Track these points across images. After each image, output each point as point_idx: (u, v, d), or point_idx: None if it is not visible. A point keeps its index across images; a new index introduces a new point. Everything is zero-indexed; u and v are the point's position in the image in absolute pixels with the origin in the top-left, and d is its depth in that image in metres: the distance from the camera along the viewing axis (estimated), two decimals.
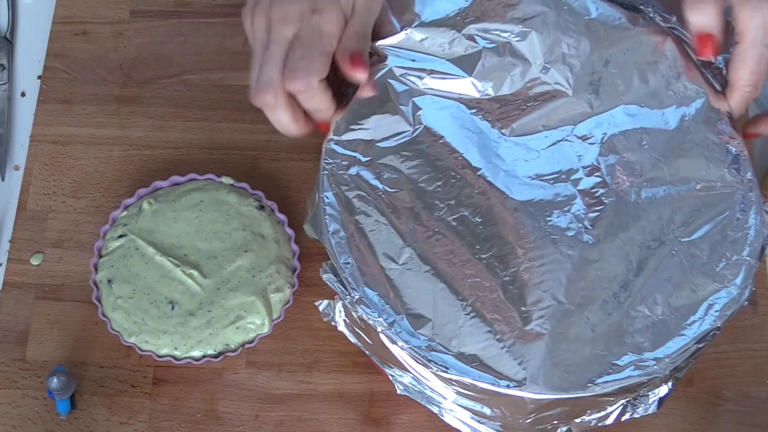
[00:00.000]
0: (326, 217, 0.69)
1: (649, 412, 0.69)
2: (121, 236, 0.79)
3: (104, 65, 0.89)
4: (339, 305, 0.70)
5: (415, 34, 0.74)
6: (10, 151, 0.87)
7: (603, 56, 0.74)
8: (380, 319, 0.66)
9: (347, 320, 0.70)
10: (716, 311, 0.67)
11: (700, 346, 0.67)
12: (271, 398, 0.77)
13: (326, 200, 0.69)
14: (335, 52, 0.70)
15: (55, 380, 0.73)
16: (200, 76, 0.89)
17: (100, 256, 0.79)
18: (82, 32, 0.90)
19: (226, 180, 0.82)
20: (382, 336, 0.67)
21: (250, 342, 0.77)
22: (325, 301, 0.71)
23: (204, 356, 0.76)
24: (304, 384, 0.78)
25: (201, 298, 0.77)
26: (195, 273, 0.77)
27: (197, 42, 0.90)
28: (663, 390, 0.69)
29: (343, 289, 0.68)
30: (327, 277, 0.69)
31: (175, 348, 0.76)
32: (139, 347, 0.76)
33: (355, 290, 0.67)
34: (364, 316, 0.67)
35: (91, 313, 0.79)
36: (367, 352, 0.70)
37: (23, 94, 0.89)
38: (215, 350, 0.76)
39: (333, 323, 0.70)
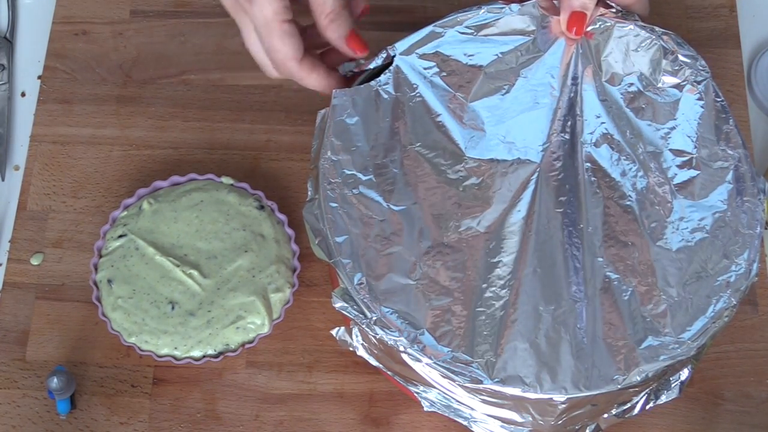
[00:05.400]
0: (335, 239, 0.68)
1: (672, 397, 0.69)
2: (121, 236, 0.79)
3: (104, 65, 0.89)
4: (355, 330, 0.69)
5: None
6: (10, 151, 0.87)
7: None
8: (401, 338, 0.66)
9: (365, 344, 0.69)
10: (728, 288, 0.67)
11: (719, 325, 0.67)
12: (271, 398, 0.77)
13: (333, 223, 0.69)
14: (332, 42, 0.70)
15: (55, 380, 0.73)
16: (200, 76, 0.89)
17: (100, 256, 0.79)
18: (82, 32, 0.90)
19: (226, 180, 0.82)
20: (404, 355, 0.66)
21: (250, 342, 0.77)
22: (341, 328, 0.70)
23: (204, 356, 0.76)
24: (304, 384, 0.78)
25: (201, 298, 0.77)
26: (195, 273, 0.77)
27: (197, 42, 0.90)
28: (684, 374, 0.69)
29: (358, 313, 0.67)
30: (340, 305, 0.68)
31: (175, 348, 0.76)
32: (139, 347, 0.76)
33: (372, 311, 0.66)
34: (384, 337, 0.66)
35: (91, 313, 0.79)
36: (389, 373, 0.69)
37: (23, 94, 0.89)
38: (215, 350, 0.76)
39: (351, 349, 0.70)
